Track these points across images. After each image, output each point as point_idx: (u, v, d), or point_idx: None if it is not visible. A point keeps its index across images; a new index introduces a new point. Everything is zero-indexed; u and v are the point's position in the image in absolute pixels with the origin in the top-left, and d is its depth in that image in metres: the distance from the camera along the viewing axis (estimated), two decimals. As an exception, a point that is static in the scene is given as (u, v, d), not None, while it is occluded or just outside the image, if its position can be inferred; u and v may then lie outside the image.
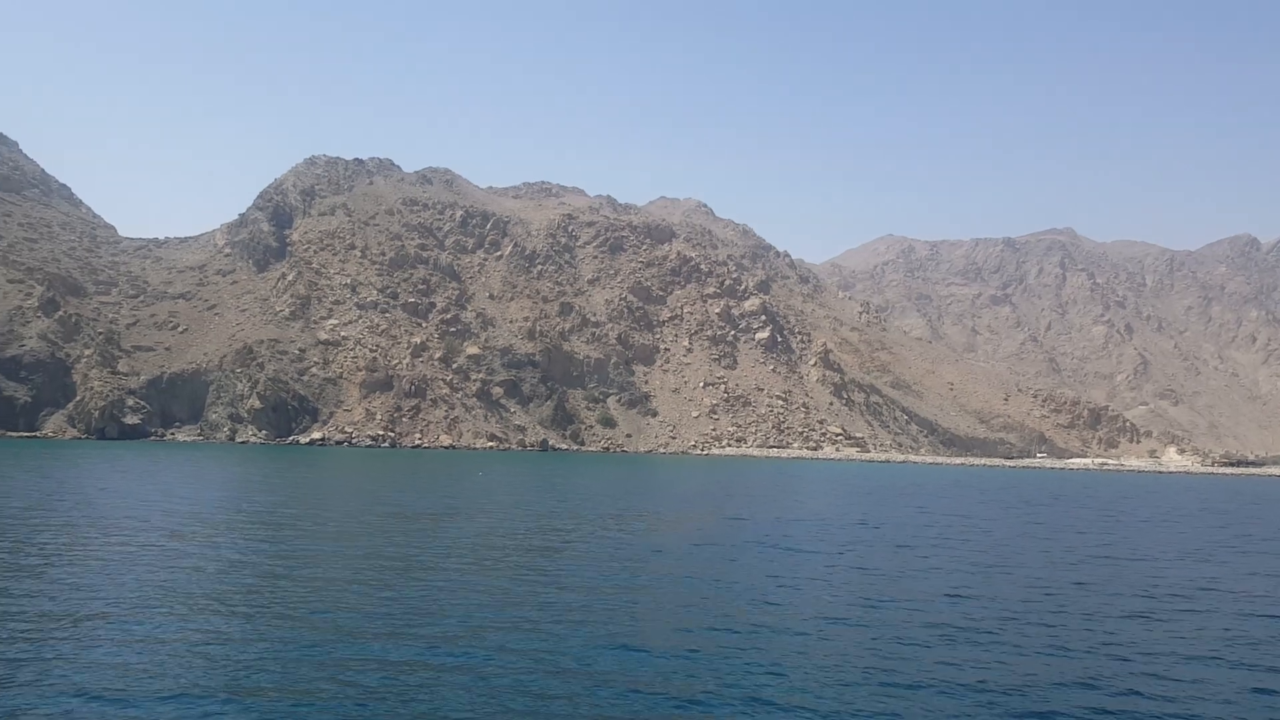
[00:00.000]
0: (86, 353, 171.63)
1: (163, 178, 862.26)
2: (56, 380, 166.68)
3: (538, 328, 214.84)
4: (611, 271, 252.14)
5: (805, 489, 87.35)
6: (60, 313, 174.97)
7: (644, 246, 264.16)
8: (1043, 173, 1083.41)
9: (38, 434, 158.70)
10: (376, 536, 39.21)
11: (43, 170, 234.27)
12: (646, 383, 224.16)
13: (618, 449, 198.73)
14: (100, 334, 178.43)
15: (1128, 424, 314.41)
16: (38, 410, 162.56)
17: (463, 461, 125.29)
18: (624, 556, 35.36)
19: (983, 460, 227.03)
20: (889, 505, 68.49)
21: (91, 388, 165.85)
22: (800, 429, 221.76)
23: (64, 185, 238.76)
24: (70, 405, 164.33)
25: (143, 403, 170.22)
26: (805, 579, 31.60)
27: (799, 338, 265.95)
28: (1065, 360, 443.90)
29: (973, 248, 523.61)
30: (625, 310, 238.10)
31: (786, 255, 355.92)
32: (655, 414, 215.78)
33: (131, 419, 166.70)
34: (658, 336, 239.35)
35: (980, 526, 54.12)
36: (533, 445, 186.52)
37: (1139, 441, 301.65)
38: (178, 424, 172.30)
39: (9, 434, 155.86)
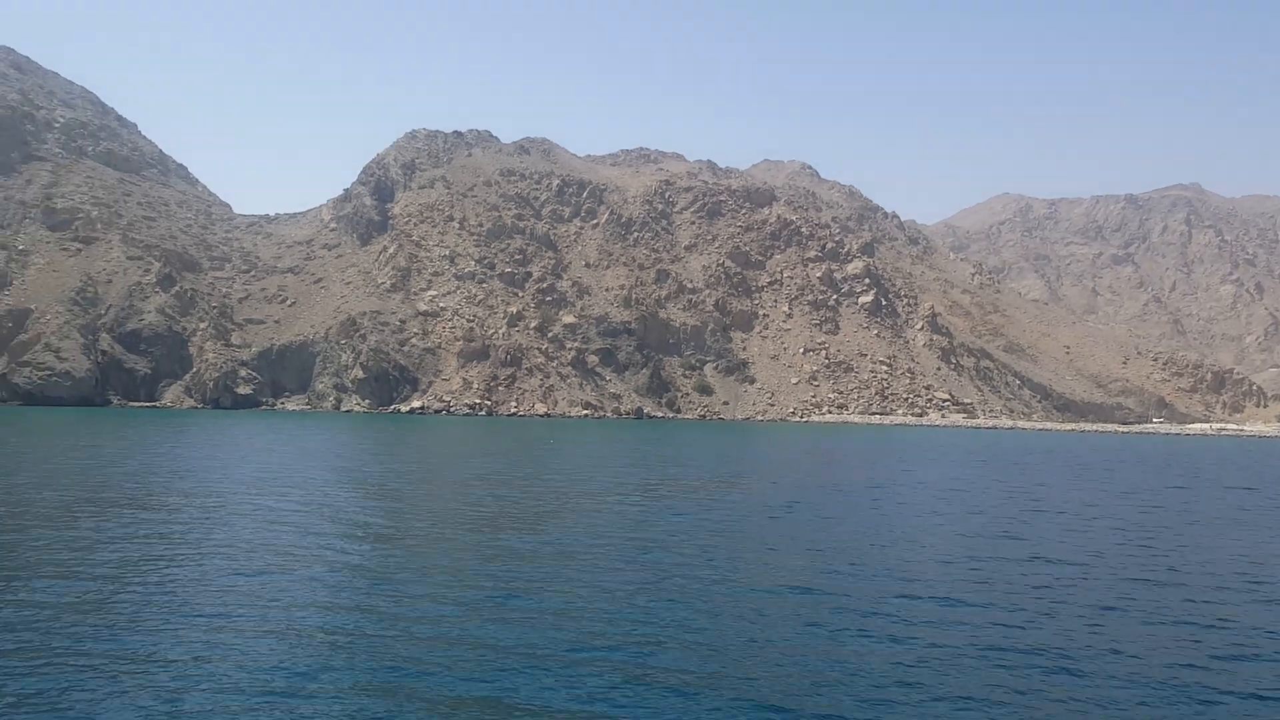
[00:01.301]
0: (201, 326, 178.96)
1: (276, 156, 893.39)
2: (174, 352, 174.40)
3: (633, 295, 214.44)
4: (709, 237, 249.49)
5: (950, 456, 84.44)
6: (177, 288, 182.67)
7: (743, 211, 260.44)
8: (1167, 126, 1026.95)
9: (157, 404, 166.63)
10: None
11: (160, 151, 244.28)
12: (744, 349, 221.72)
13: (714, 416, 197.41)
14: (214, 308, 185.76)
15: (1255, 387, 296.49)
16: (157, 381, 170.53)
17: (559, 429, 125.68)
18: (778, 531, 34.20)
19: (1095, 426, 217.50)
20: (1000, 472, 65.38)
21: (206, 359, 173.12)
22: (905, 395, 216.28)
23: (181, 165, 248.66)
24: (187, 376, 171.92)
25: (254, 373, 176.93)
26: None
27: (905, 301, 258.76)
28: (1190, 322, 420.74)
29: (1093, 205, 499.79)
30: (723, 276, 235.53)
31: (895, 216, 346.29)
32: (753, 381, 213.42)
33: (244, 389, 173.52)
34: (756, 302, 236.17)
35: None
36: (628, 413, 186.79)
37: (1266, 405, 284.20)
38: (287, 393, 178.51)
39: (131, 404, 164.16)
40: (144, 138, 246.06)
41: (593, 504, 40.38)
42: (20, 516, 31.67)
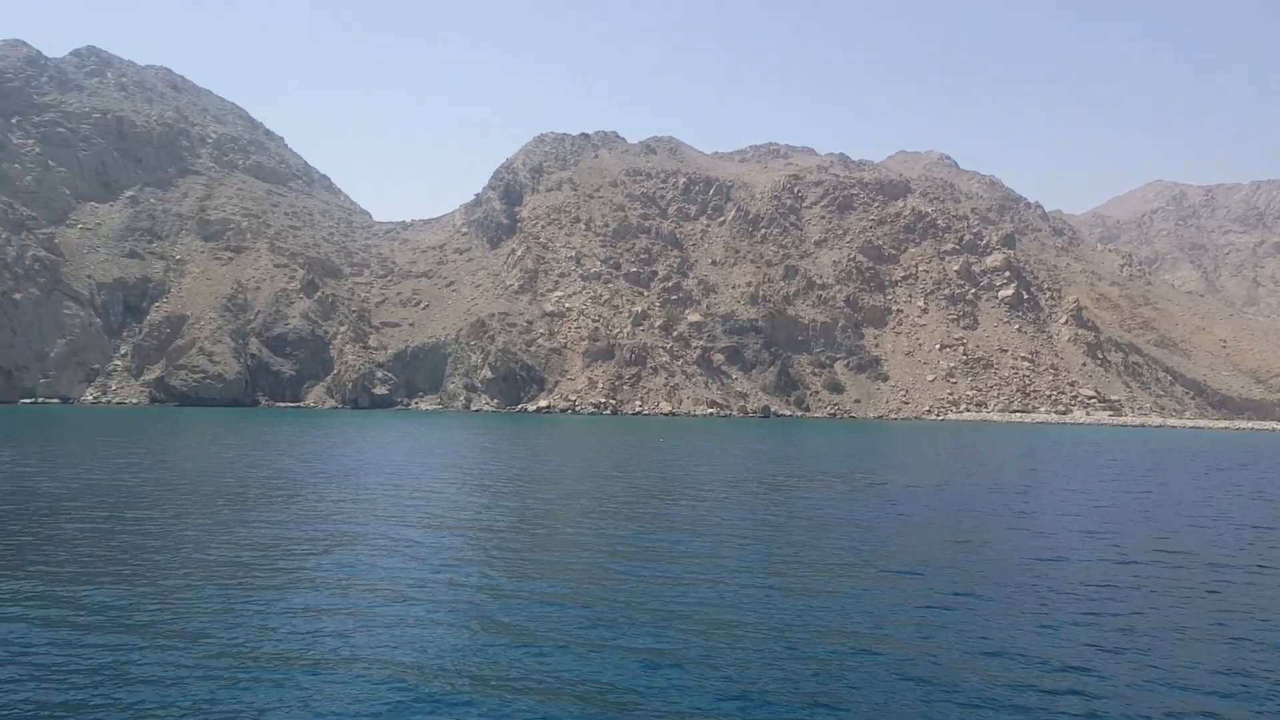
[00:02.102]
0: (341, 329, 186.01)
1: (414, 164, 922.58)
2: (317, 355, 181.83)
3: (761, 292, 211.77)
4: (840, 231, 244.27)
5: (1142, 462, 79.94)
6: (319, 293, 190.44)
7: (875, 204, 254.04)
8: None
9: (301, 404, 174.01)
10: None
11: (306, 163, 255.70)
12: (877, 346, 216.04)
13: (845, 415, 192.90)
14: (353, 312, 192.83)
15: None
16: (301, 382, 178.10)
17: (682, 428, 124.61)
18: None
19: (1254, 424, 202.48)
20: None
21: (346, 361, 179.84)
22: (1048, 392, 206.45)
23: (325, 176, 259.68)
24: (328, 378, 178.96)
25: (390, 374, 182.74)
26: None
27: (1048, 294, 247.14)
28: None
29: (1253, 191, 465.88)
30: (854, 271, 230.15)
31: (1038, 207, 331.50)
32: (886, 378, 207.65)
33: (380, 389, 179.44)
34: (889, 298, 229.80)
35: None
36: (754, 412, 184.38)
37: None
38: (420, 394, 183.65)
39: (277, 404, 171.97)
40: (290, 150, 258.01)
41: (713, 496, 39.13)
42: (217, 499, 32.74)
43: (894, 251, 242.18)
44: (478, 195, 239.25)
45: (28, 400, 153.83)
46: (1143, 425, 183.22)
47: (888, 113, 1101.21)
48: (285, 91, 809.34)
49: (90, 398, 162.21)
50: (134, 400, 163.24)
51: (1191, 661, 17.06)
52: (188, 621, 17.61)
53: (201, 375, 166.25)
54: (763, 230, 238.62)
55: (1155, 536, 32.21)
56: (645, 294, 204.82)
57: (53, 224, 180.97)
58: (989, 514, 37.37)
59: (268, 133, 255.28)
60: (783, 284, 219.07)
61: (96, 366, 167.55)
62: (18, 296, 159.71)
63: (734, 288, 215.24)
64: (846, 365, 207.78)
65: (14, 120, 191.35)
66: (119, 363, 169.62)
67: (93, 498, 34.81)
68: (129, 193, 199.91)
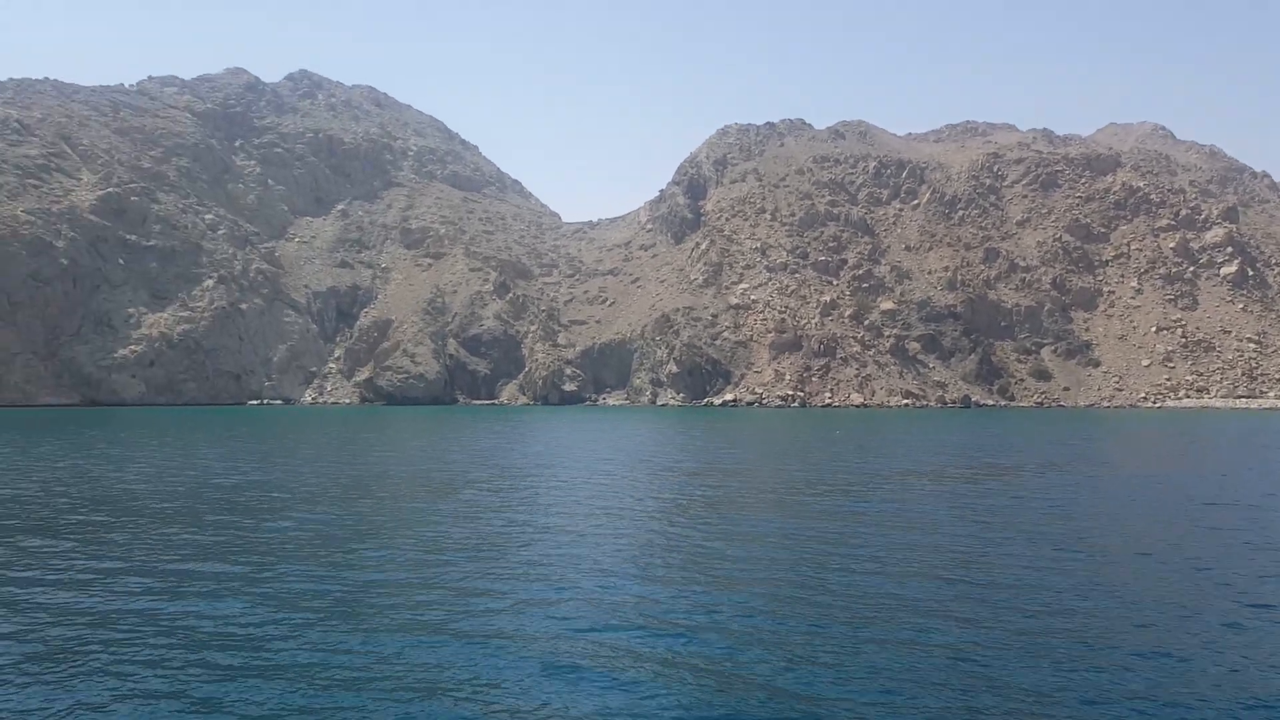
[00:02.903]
0: (532, 329, 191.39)
1: (598, 165, 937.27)
2: (509, 354, 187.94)
3: (959, 277, 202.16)
4: (1043, 211, 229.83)
5: None
6: (511, 295, 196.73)
7: (1082, 180, 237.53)
8: None
9: (495, 401, 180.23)
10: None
11: (498, 169, 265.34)
12: (1087, 330, 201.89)
13: (1053, 403, 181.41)
14: (543, 311, 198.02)
15: None
16: (495, 380, 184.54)
17: (875, 420, 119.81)
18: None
19: None
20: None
21: (536, 359, 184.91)
22: (1278, 375, 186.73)
23: (516, 181, 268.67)
24: (520, 375, 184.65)
25: (578, 371, 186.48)
26: None
27: (1277, 270, 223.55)
28: None
29: None
30: (1060, 252, 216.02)
31: (1266, 176, 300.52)
32: (1098, 364, 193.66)
33: (569, 386, 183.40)
34: (1100, 278, 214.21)
35: None
36: (953, 402, 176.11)
37: None
38: (607, 389, 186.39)
39: (473, 401, 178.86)
40: (484, 158, 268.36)
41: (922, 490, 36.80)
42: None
43: (1103, 230, 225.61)
44: (662, 191, 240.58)
45: (254, 402, 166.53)
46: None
47: (1095, 83, 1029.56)
48: (477, 102, 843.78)
49: (309, 399, 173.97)
50: (346, 400, 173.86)
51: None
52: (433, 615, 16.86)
53: (405, 375, 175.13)
54: (960, 212, 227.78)
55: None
56: (834, 283, 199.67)
57: (273, 238, 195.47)
58: None
59: (463, 142, 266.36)
60: (983, 267, 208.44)
61: (314, 369, 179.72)
62: (244, 307, 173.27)
63: (930, 273, 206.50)
64: (1054, 351, 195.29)
65: (237, 143, 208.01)
66: (333, 365, 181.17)
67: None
68: (339, 206, 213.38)
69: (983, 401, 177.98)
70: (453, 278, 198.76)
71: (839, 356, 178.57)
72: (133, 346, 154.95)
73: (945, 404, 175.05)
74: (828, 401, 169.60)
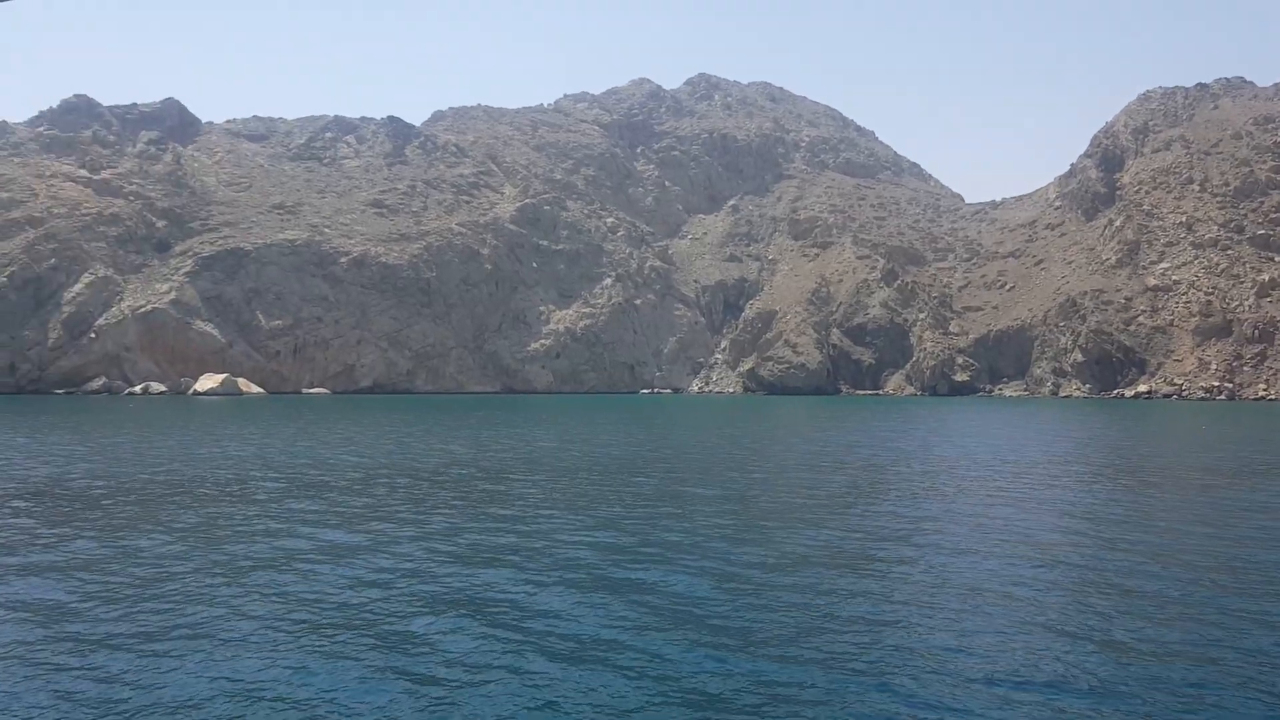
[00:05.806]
0: (921, 316, 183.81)
1: (1003, 142, 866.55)
2: (896, 343, 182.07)
3: None
4: None
5: None
6: (899, 282, 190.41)
7: None
8: None
9: (879, 391, 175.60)
10: None
11: (894, 153, 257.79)
12: None
13: None
14: (934, 298, 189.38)
15: None
16: (880, 371, 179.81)
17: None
18: None
19: None
20: None
21: (925, 348, 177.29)
22: None
23: (914, 164, 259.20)
24: (907, 365, 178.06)
25: (971, 360, 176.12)
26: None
27: None
28: None
29: None
30: None
31: None
32: None
33: (960, 376, 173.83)
34: None
35: None
36: None
37: None
38: (1004, 380, 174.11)
39: (857, 392, 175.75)
40: (880, 143, 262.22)
41: None
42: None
43: None
44: (1072, 165, 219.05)
45: (645, 391, 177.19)
46: None
47: None
48: (872, 85, 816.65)
49: (695, 388, 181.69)
50: (730, 390, 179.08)
51: None
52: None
53: (786, 365, 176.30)
54: None
55: None
56: (1275, 259, 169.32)
57: (667, 237, 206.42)
58: None
59: (858, 129, 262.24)
60: None
61: (701, 360, 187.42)
62: (638, 302, 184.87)
63: None
64: None
65: (638, 149, 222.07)
66: (719, 356, 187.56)
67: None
68: (730, 202, 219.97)
69: None
70: (839, 266, 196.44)
71: (1278, 343, 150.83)
72: (542, 340, 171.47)
73: None
74: (1262, 394, 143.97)
